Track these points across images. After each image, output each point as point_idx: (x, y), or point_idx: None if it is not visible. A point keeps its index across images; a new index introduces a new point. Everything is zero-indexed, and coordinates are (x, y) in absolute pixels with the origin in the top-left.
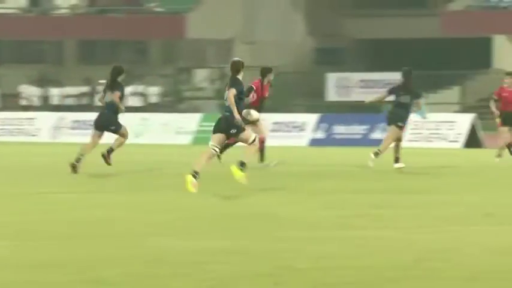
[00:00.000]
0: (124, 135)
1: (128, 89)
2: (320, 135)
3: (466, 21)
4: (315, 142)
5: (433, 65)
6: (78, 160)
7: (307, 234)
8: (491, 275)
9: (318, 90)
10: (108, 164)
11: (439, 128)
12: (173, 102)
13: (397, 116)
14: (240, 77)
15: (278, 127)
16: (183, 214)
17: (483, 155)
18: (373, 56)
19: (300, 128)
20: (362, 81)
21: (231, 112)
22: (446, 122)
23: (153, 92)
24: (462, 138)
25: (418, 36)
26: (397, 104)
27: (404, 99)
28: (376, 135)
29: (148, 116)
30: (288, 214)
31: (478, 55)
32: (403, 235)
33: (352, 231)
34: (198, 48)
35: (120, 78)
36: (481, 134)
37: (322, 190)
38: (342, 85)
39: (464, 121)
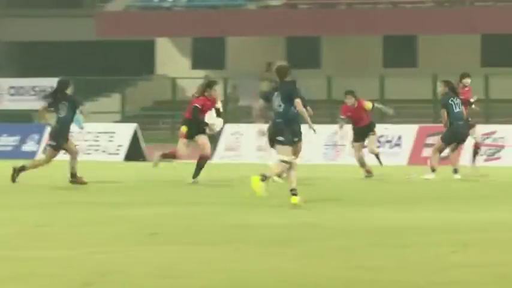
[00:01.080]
0: (72, 152)
1: None
2: None
3: (126, 23)
4: None
5: (91, 71)
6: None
7: None
8: None
9: None
10: (84, 182)
11: (98, 139)
12: None
13: None
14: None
15: None
16: None
17: (146, 168)
18: (25, 60)
19: None
20: (12, 87)
21: (285, 119)
22: (106, 132)
23: None
24: (123, 150)
25: (73, 39)
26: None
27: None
28: (29, 147)
29: None
30: None
31: (140, 60)
32: (69, 256)
33: (12, 252)
34: None
35: (69, 91)
36: (143, 146)
37: None
38: None
39: (125, 132)
